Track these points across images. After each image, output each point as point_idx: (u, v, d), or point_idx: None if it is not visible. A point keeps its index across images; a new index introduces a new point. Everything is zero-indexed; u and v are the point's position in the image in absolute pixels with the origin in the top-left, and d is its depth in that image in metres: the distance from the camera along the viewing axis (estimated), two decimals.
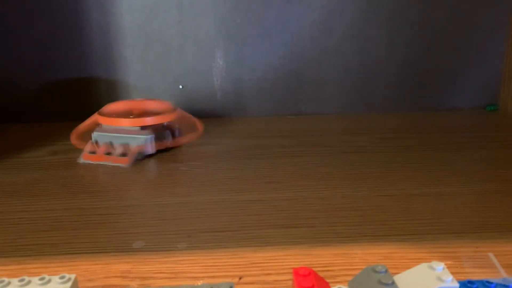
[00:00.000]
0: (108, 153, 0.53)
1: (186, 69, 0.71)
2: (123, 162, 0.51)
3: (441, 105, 0.74)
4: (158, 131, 0.55)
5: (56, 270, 0.32)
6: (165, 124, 0.57)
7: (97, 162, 0.52)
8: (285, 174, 0.49)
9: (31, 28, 0.68)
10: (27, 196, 0.44)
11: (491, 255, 0.32)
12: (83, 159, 0.53)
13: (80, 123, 0.59)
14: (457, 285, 0.24)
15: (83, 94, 0.71)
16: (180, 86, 0.71)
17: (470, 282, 0.26)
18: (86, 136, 0.57)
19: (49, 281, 0.25)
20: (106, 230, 0.38)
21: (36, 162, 0.54)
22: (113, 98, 0.71)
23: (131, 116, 0.56)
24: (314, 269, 0.27)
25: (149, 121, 0.55)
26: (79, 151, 0.56)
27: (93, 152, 0.53)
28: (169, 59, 0.70)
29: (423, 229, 0.37)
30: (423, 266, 0.26)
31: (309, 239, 0.35)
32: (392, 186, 0.45)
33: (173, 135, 0.57)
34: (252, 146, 0.59)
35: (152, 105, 0.59)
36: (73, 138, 0.58)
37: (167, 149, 0.56)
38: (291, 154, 0.56)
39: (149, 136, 0.53)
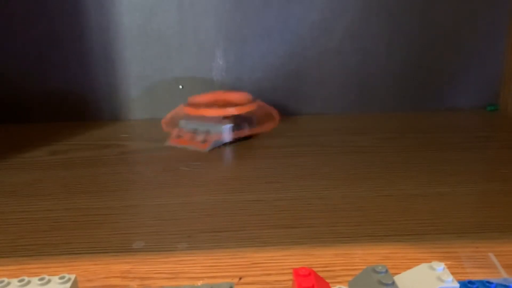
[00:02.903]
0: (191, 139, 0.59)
1: (186, 69, 0.71)
2: (203, 147, 0.56)
3: (441, 105, 0.74)
4: (237, 121, 0.59)
5: (56, 270, 0.32)
6: (244, 114, 0.60)
7: (181, 146, 0.58)
8: (285, 174, 0.49)
9: (31, 28, 0.68)
10: (27, 196, 0.44)
11: (491, 255, 0.32)
12: (170, 143, 0.58)
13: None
14: (457, 285, 0.24)
15: (83, 94, 0.71)
16: (180, 86, 0.71)
17: (470, 282, 0.26)
18: (172, 123, 0.63)
19: (49, 281, 0.25)
20: (106, 230, 0.38)
21: (36, 162, 0.54)
22: (113, 97, 0.71)
23: (214, 107, 0.61)
24: (314, 269, 0.27)
25: (229, 111, 0.59)
26: (79, 151, 0.56)
27: (179, 137, 0.59)
28: (169, 59, 0.70)
29: (423, 229, 0.37)
30: (423, 266, 0.26)
31: (309, 239, 0.35)
32: (392, 186, 0.45)
33: (251, 125, 0.60)
34: (252, 146, 0.59)
35: (233, 96, 0.64)
36: (164, 125, 0.63)
37: (245, 138, 0.60)
38: (291, 154, 0.56)
39: (227, 126, 0.58)
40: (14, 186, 0.47)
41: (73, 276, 0.26)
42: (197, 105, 0.61)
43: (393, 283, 0.25)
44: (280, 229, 0.37)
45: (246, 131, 0.59)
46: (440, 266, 0.25)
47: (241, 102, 0.62)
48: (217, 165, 0.53)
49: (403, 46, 0.71)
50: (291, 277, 0.29)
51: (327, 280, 0.27)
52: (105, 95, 0.71)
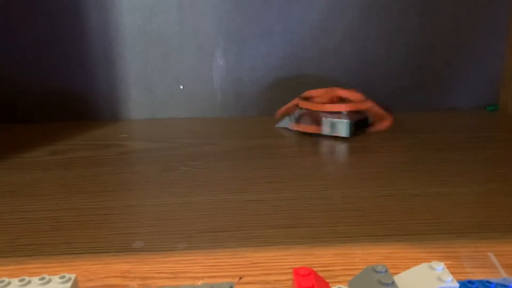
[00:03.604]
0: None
1: (186, 69, 0.71)
2: (317, 131, 0.60)
3: (441, 105, 0.74)
4: (354, 118, 0.60)
5: (56, 270, 0.32)
6: (360, 112, 0.62)
7: (301, 130, 0.62)
8: (285, 174, 0.49)
9: (31, 28, 0.68)
10: (27, 196, 0.44)
11: (491, 255, 0.32)
12: (290, 127, 0.64)
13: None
14: (457, 285, 0.24)
15: (83, 94, 0.71)
16: (181, 86, 0.71)
17: (470, 282, 0.26)
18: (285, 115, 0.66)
19: (49, 281, 0.25)
20: (106, 230, 0.38)
21: (36, 162, 0.54)
22: (113, 97, 0.71)
23: (327, 102, 0.62)
24: (314, 269, 0.27)
25: (345, 107, 0.60)
26: (79, 150, 0.56)
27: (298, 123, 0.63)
28: (169, 59, 0.70)
29: (423, 229, 0.37)
30: (423, 266, 0.26)
31: (309, 239, 0.35)
32: (392, 186, 0.45)
33: (366, 124, 0.62)
34: (252, 146, 0.59)
35: (345, 93, 0.64)
36: (278, 115, 0.67)
37: (358, 135, 0.61)
38: (291, 154, 0.56)
39: (345, 121, 0.59)
40: (14, 186, 0.47)
41: (73, 276, 0.26)
42: (310, 99, 0.63)
43: (393, 282, 0.25)
44: (280, 229, 0.37)
45: (365, 129, 0.61)
46: (440, 266, 0.25)
47: (355, 99, 0.63)
48: (217, 165, 0.53)
49: (403, 46, 0.71)
50: (291, 276, 0.29)
51: (327, 280, 0.27)
52: (105, 95, 0.71)
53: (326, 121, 0.59)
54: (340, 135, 0.59)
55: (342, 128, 0.59)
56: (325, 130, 0.60)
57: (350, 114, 0.60)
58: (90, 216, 0.40)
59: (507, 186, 0.45)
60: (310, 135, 0.61)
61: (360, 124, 0.61)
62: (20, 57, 0.69)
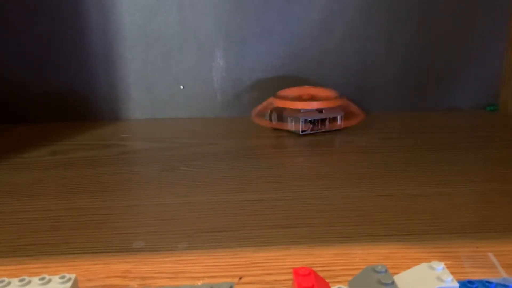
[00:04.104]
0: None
1: (186, 69, 0.71)
2: (296, 129, 0.63)
3: (441, 105, 0.74)
4: (319, 114, 0.63)
5: (56, 270, 0.32)
6: (325, 108, 0.63)
7: (276, 128, 0.65)
8: (285, 174, 0.49)
9: (31, 28, 0.68)
10: (27, 196, 0.44)
11: (491, 255, 0.32)
12: (261, 124, 0.66)
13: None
14: (457, 285, 0.24)
15: (83, 94, 0.71)
16: (181, 86, 0.71)
17: (470, 282, 0.26)
18: (261, 114, 0.67)
19: (49, 281, 0.25)
20: (106, 230, 0.38)
21: (36, 162, 0.54)
22: (113, 97, 0.71)
23: (299, 100, 0.64)
24: (314, 269, 0.27)
25: (314, 105, 0.63)
26: (79, 150, 0.56)
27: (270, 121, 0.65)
28: (169, 59, 0.70)
29: (423, 229, 0.37)
30: (423, 266, 0.26)
31: (309, 239, 0.35)
32: (392, 186, 0.45)
33: (333, 120, 0.64)
34: (252, 146, 0.59)
35: (319, 92, 0.67)
36: (253, 116, 0.67)
37: (325, 131, 0.64)
38: (291, 154, 0.56)
39: (306, 118, 0.62)
40: (14, 186, 0.47)
41: (73, 276, 0.26)
42: (284, 98, 0.65)
43: (393, 282, 0.25)
44: (280, 229, 0.37)
45: (326, 126, 0.63)
46: (439, 266, 0.25)
47: (325, 97, 0.65)
48: (217, 165, 0.53)
49: (403, 46, 0.71)
50: (291, 276, 0.29)
51: (327, 280, 0.27)
52: (105, 95, 0.71)
53: (289, 118, 0.63)
54: (294, 131, 0.63)
55: (296, 124, 0.62)
56: (287, 124, 0.63)
57: (310, 112, 0.63)
58: (90, 216, 0.40)
59: (507, 186, 0.45)
60: (279, 130, 0.65)
61: (317, 122, 0.63)
62: (20, 57, 0.69)
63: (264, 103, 0.67)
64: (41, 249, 0.35)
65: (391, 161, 0.52)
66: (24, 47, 0.68)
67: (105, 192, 0.45)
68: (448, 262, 0.32)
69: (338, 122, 0.64)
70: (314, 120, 0.63)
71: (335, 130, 0.64)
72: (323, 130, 0.64)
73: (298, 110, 0.63)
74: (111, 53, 0.69)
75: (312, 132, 0.63)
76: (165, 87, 0.71)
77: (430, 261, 0.26)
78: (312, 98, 0.65)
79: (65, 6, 0.67)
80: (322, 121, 0.63)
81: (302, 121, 0.62)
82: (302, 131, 0.62)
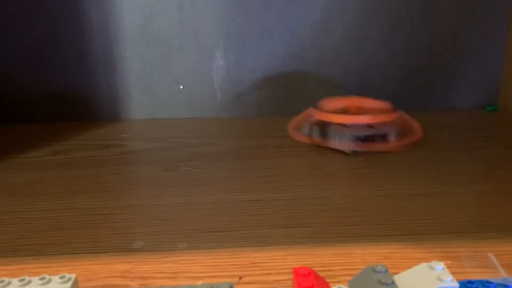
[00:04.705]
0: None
1: (186, 69, 0.71)
2: (325, 144, 0.54)
3: (441, 105, 0.74)
4: (371, 131, 0.54)
5: (56, 270, 0.32)
6: (379, 124, 0.55)
7: (309, 142, 0.56)
8: (285, 174, 0.49)
9: (31, 28, 0.68)
10: (27, 196, 0.44)
11: (491, 255, 0.32)
12: (298, 138, 0.57)
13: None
14: (457, 285, 0.24)
15: (83, 94, 0.71)
16: (181, 86, 0.71)
17: (470, 282, 0.26)
18: (299, 128, 0.60)
19: (49, 281, 0.25)
20: (106, 230, 0.38)
21: (36, 162, 0.54)
22: (113, 97, 0.71)
23: (345, 113, 0.56)
24: (314, 269, 0.27)
25: (365, 119, 0.54)
26: (79, 150, 0.56)
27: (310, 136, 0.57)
28: (169, 59, 0.70)
29: (423, 229, 0.37)
30: (423, 266, 0.26)
31: (309, 239, 0.35)
32: (392, 186, 0.45)
33: (386, 138, 0.55)
34: (252, 146, 0.59)
35: (369, 103, 0.59)
36: (290, 130, 0.60)
37: (366, 152, 0.54)
38: (291, 154, 0.56)
39: (357, 135, 0.53)
40: (14, 186, 0.47)
41: (73, 276, 0.26)
42: (327, 110, 0.57)
43: (393, 282, 0.25)
44: (280, 229, 0.37)
45: (377, 145, 0.54)
46: (439, 266, 0.25)
47: (377, 110, 0.57)
48: (217, 165, 0.53)
49: (403, 46, 0.71)
50: (291, 276, 0.29)
51: (327, 280, 0.27)
52: (105, 95, 0.71)
53: (334, 133, 0.54)
54: (344, 150, 0.54)
55: (347, 142, 0.53)
56: (332, 142, 0.54)
57: (360, 127, 0.54)
58: (90, 216, 0.40)
59: (507, 186, 0.45)
60: (320, 147, 0.56)
61: (370, 139, 0.54)
62: (20, 57, 0.69)
63: (301, 115, 0.60)
64: (41, 249, 0.35)
65: (391, 161, 0.52)
66: (24, 47, 0.68)
67: (105, 192, 0.45)
68: (448, 262, 0.32)
69: (391, 139, 0.55)
70: (364, 137, 0.54)
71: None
72: (376, 151, 0.54)
73: (345, 125, 0.54)
74: (111, 53, 0.69)
75: (363, 151, 0.54)
76: (165, 87, 0.71)
77: (430, 261, 0.26)
78: (361, 111, 0.57)
79: (65, 6, 0.67)
80: (373, 138, 0.54)
81: (351, 138, 0.53)
82: (353, 151, 0.53)
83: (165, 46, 0.70)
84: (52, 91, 0.70)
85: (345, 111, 0.58)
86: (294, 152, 0.56)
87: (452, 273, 0.25)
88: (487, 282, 0.26)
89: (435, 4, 0.70)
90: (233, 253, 0.34)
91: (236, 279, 0.30)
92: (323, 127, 0.55)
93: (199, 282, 0.30)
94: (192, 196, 0.44)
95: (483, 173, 0.49)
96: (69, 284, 0.25)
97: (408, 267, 0.26)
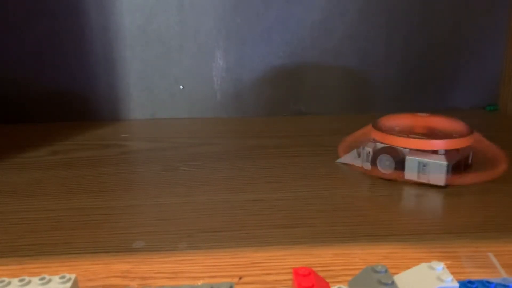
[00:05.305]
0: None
1: (186, 69, 0.71)
2: (399, 178, 0.43)
3: (441, 105, 0.74)
4: (454, 159, 0.44)
5: (56, 270, 0.32)
6: (459, 150, 0.45)
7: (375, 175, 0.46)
8: (285, 174, 0.49)
9: (32, 28, 0.68)
10: (27, 196, 0.44)
11: (491, 255, 0.32)
12: (357, 165, 0.47)
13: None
14: (457, 285, 0.24)
15: (83, 94, 0.71)
16: (181, 86, 0.71)
17: (470, 282, 0.26)
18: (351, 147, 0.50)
19: (49, 281, 0.25)
20: (106, 230, 0.38)
21: (36, 162, 0.54)
22: (113, 97, 0.71)
23: (414, 136, 0.45)
24: (314, 269, 0.27)
25: (440, 144, 0.43)
26: (79, 150, 0.56)
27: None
28: (169, 59, 0.70)
29: (423, 229, 0.37)
30: (423, 266, 0.26)
31: (309, 239, 0.35)
32: (391, 186, 0.45)
33: (465, 167, 0.46)
34: (252, 146, 0.59)
35: (440, 123, 0.48)
36: (341, 150, 0.51)
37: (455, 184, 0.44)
38: (291, 154, 0.56)
39: (445, 164, 0.42)
40: (14, 186, 0.47)
41: (73, 276, 0.26)
42: (388, 130, 0.47)
43: (393, 282, 0.25)
44: (280, 229, 0.37)
45: (467, 178, 0.44)
46: (439, 266, 0.25)
47: (450, 131, 0.46)
48: (217, 165, 0.53)
49: (403, 46, 0.71)
50: (291, 276, 0.29)
51: (327, 280, 0.27)
52: (105, 95, 0.71)
53: (412, 161, 0.43)
54: (433, 183, 0.43)
55: (437, 172, 0.42)
56: (410, 174, 0.44)
57: (449, 152, 0.43)
58: (90, 216, 0.40)
59: (507, 186, 0.45)
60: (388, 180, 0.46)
61: (459, 166, 0.44)
62: (20, 57, 0.69)
63: (356, 134, 0.50)
64: (41, 249, 0.35)
65: None
66: (24, 47, 0.68)
67: (105, 192, 0.45)
68: (448, 262, 0.32)
69: (471, 166, 0.47)
70: (456, 165, 0.43)
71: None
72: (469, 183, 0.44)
73: (436, 152, 0.43)
74: (111, 53, 0.69)
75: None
76: (165, 87, 0.71)
77: (430, 261, 0.26)
78: (431, 133, 0.46)
79: (65, 6, 0.67)
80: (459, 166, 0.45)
81: (446, 169, 0.42)
82: (445, 185, 0.43)
83: (165, 46, 0.70)
84: (52, 91, 0.70)
85: (412, 132, 0.46)
86: (294, 152, 0.56)
87: (452, 273, 0.25)
88: (487, 282, 0.26)
89: (435, 4, 0.70)
90: (233, 253, 0.34)
91: (236, 279, 0.30)
92: (394, 155, 0.44)
93: (199, 282, 0.30)
94: (192, 196, 0.44)
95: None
96: (69, 284, 0.25)
97: (408, 267, 0.26)
